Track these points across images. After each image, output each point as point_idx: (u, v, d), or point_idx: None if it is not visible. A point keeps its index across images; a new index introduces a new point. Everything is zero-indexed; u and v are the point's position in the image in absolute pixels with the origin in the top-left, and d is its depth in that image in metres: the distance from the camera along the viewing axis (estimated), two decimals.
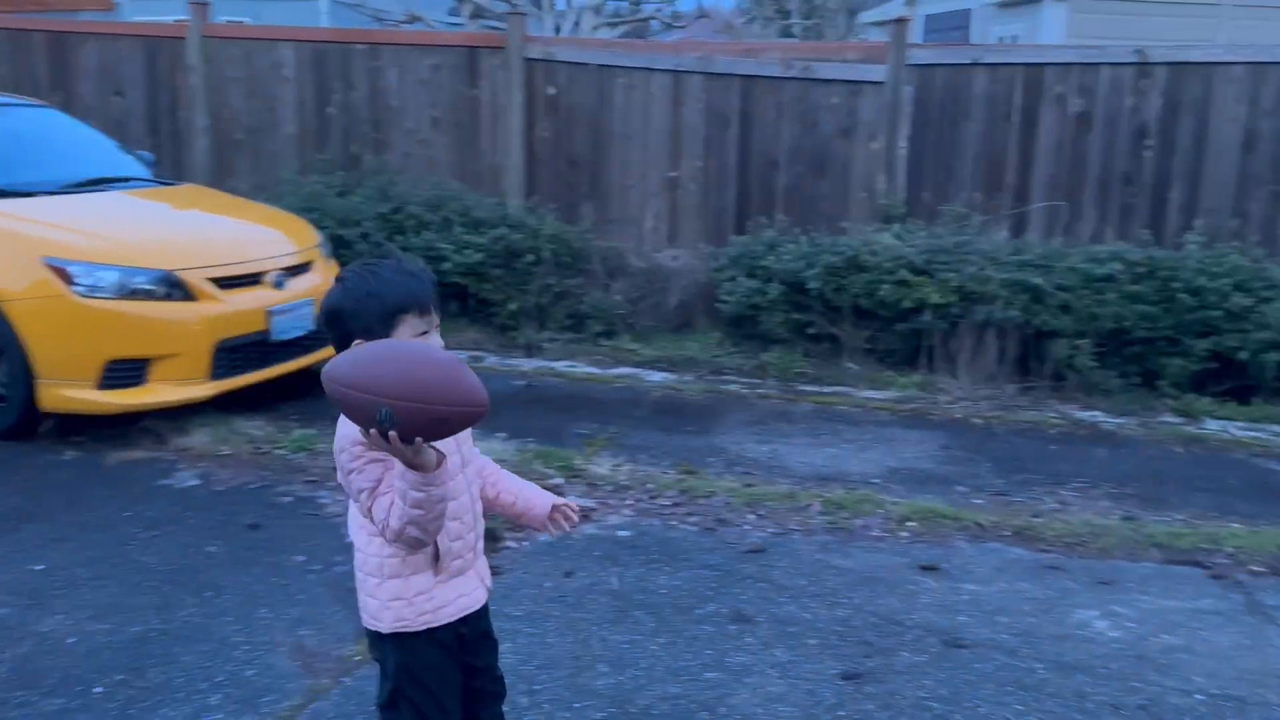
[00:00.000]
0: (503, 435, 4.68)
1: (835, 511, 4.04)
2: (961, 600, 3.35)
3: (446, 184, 6.98)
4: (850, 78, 6.51)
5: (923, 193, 6.46)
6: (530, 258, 6.59)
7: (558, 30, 14.52)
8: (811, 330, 6.22)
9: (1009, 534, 3.94)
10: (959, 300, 5.81)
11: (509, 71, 7.04)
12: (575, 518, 2.04)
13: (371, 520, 1.72)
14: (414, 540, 1.70)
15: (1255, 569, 3.72)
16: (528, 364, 6.35)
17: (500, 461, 2.18)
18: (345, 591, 2.98)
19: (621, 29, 15.78)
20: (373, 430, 1.53)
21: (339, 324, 1.73)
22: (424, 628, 1.80)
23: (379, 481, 1.69)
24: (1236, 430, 5.38)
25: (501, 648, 2.10)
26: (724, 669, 2.86)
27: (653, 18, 15.90)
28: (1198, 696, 2.85)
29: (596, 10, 14.13)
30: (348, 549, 1.93)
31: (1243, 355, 5.51)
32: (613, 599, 3.27)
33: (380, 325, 1.70)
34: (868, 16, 16.09)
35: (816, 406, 5.64)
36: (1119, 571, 3.64)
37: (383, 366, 1.53)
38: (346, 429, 1.67)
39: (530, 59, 7.06)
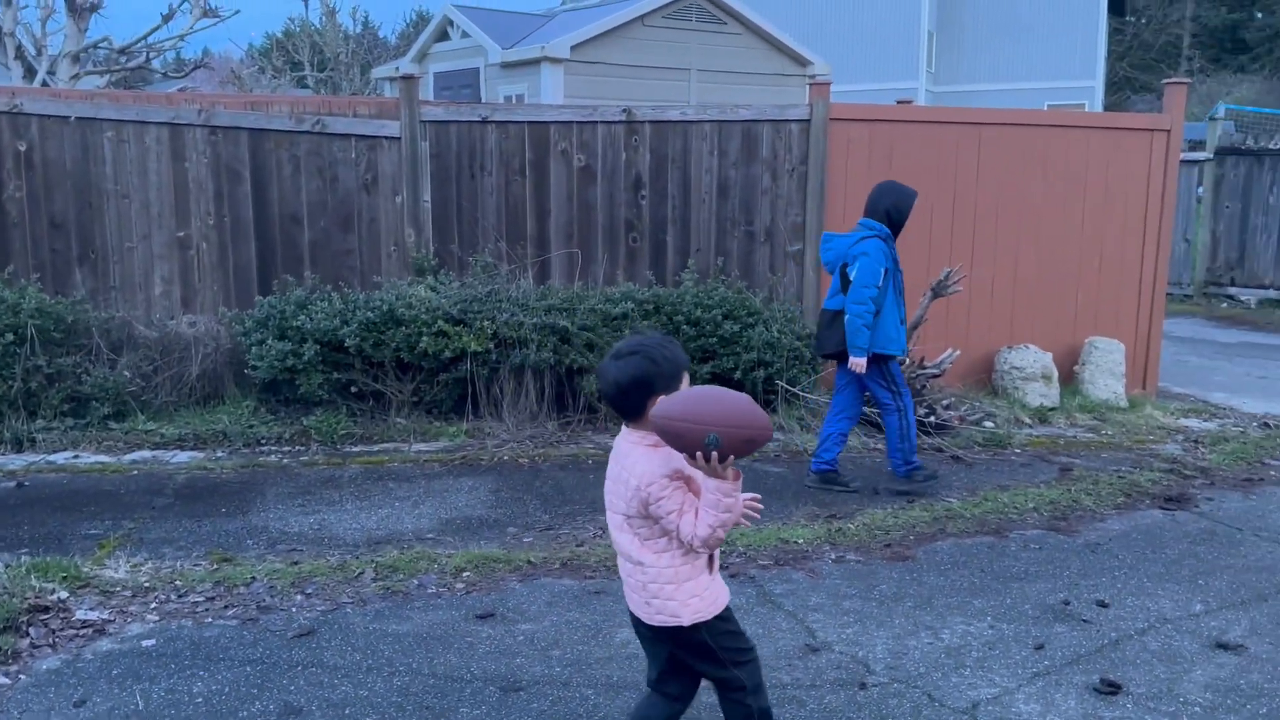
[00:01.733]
0: None
1: (389, 575, 3.93)
2: (518, 642, 3.42)
3: None
4: (366, 133, 6.47)
5: (451, 244, 6.58)
6: (9, 337, 5.66)
7: (31, 79, 12.80)
8: (354, 389, 6.05)
9: (557, 567, 4.10)
10: (496, 346, 6.00)
11: None
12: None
13: (678, 536, 2.23)
14: (717, 541, 2.20)
15: (763, 563, 4.24)
16: (17, 460, 5.43)
17: None
18: None
19: (111, 78, 14.28)
20: (699, 453, 2.07)
21: (645, 387, 2.23)
22: (713, 615, 2.36)
23: (683, 503, 2.21)
24: None
25: None
26: None
27: (144, 66, 14.57)
28: None
29: (75, 58, 12.64)
30: None
31: (737, 375, 6.30)
32: None
33: (675, 382, 2.25)
34: (380, 71, 16.18)
35: (366, 467, 5.48)
36: None
37: (708, 404, 2.10)
38: (648, 467, 2.22)
39: None
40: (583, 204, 6.68)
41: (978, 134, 6.97)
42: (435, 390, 6.12)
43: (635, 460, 2.24)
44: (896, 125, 6.95)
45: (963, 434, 6.30)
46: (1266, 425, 6.84)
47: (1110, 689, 3.19)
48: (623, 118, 6.65)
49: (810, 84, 6.90)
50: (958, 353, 6.65)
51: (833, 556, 4.33)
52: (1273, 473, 5.77)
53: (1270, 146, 12.45)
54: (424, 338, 5.88)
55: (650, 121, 6.69)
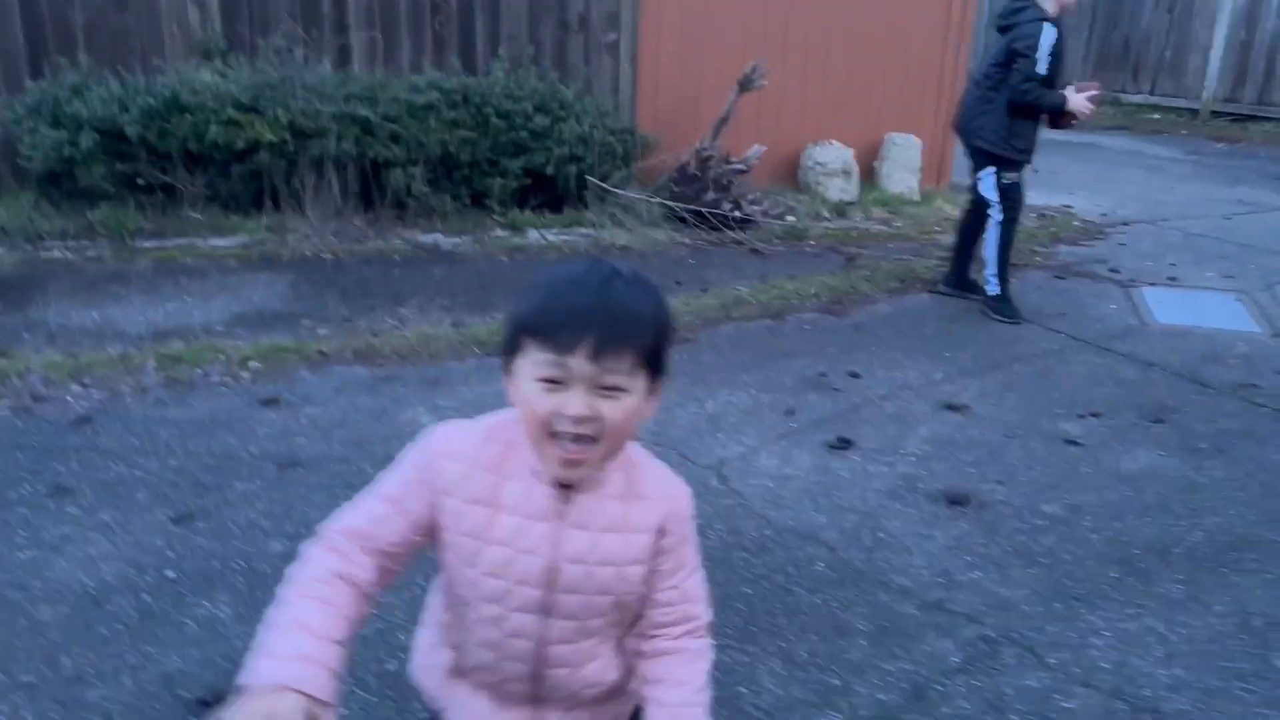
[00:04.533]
0: None
1: (173, 366, 3.93)
2: (300, 425, 3.53)
3: None
4: None
5: (239, 25, 6.17)
6: None
7: None
8: (141, 181, 5.76)
9: (350, 356, 4.19)
10: (293, 137, 5.78)
11: None
12: None
13: (676, 605, 1.35)
14: None
15: None
16: None
17: None
18: None
19: None
20: None
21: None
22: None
23: None
24: (551, 236, 6.23)
25: None
26: (40, 545, 2.71)
27: None
28: None
29: None
30: None
31: (549, 170, 6.31)
32: None
33: None
34: None
35: (156, 262, 5.32)
36: (445, 371, 4.11)
37: None
38: (677, 481, 1.36)
39: None
40: None
41: None
42: (230, 183, 5.89)
43: (647, 473, 1.32)
44: None
45: (765, 227, 6.57)
46: (1042, 216, 7.39)
47: (843, 444, 3.59)
48: None
49: None
50: (764, 149, 6.82)
51: None
52: (1038, 259, 6.31)
53: None
54: (213, 126, 5.60)
55: None
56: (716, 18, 6.92)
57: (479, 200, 6.36)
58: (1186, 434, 3.75)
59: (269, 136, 5.68)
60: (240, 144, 5.67)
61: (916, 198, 7.47)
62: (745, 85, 6.29)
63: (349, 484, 3.12)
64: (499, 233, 6.21)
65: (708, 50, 6.90)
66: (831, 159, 7.29)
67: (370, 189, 6.14)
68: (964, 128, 5.12)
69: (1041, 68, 4.66)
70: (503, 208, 6.35)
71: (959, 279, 5.42)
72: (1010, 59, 4.77)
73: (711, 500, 3.13)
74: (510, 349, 1.23)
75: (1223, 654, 2.49)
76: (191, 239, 5.66)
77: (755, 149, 6.73)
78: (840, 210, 7.14)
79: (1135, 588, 2.75)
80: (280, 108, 5.71)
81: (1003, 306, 5.09)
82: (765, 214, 6.71)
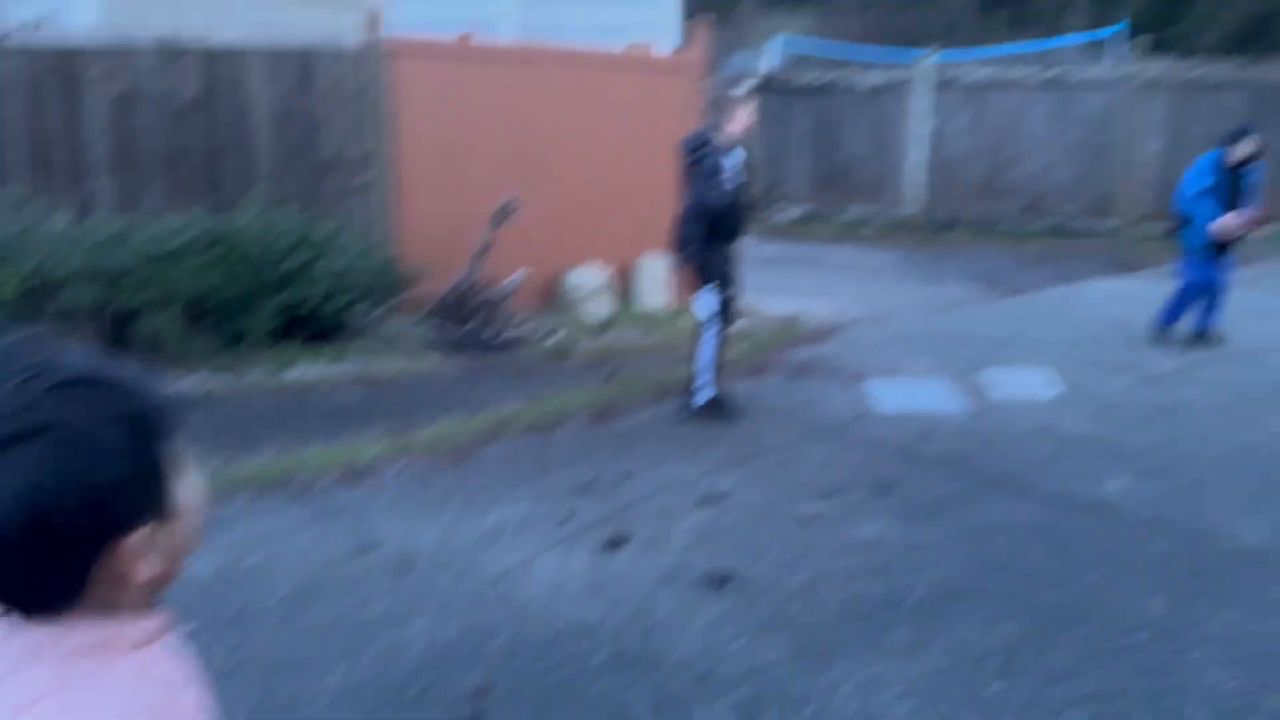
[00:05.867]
0: None
1: None
2: None
3: None
4: None
5: None
6: None
7: None
8: None
9: None
10: (35, 291, 5.56)
11: None
12: None
13: None
14: None
15: (328, 481, 4.48)
16: None
17: None
18: None
19: None
20: None
21: (79, 525, 0.85)
22: None
23: None
24: (317, 372, 6.24)
25: None
26: None
27: None
28: (279, 596, 3.40)
29: None
30: None
31: (311, 306, 6.37)
32: None
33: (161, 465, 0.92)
34: None
35: None
36: (214, 514, 4.05)
37: None
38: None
39: None
40: (128, 133, 6.30)
41: (532, 70, 7.48)
42: None
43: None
44: (457, 59, 7.26)
45: (531, 349, 6.89)
46: (779, 323, 8.16)
47: (616, 543, 3.85)
48: (169, 44, 6.32)
49: (366, 14, 6.97)
50: (527, 273, 7.20)
51: (397, 467, 4.66)
52: (776, 362, 6.95)
53: (795, 81, 14.40)
54: None
55: (197, 50, 6.42)
56: (471, 154, 7.32)
57: (238, 341, 6.31)
58: (907, 503, 4.29)
59: (11, 290, 5.45)
60: None
61: (669, 313, 8.05)
62: (501, 217, 6.67)
63: None
64: (261, 372, 6.16)
65: (465, 184, 7.27)
66: (590, 281, 7.77)
67: (124, 336, 5.96)
68: (675, 254, 5.48)
69: (723, 196, 5.15)
70: (263, 347, 6.32)
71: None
72: (699, 189, 5.17)
73: (494, 609, 3.28)
74: None
75: (946, 686, 2.88)
76: None
77: (516, 275, 7.10)
78: (602, 328, 7.59)
79: (871, 639, 3.13)
80: (20, 261, 5.50)
81: (719, 410, 5.42)
82: (531, 336, 7.04)
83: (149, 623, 0.89)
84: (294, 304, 6.31)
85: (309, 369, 6.24)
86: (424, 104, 7.00)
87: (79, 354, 0.87)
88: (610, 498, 4.33)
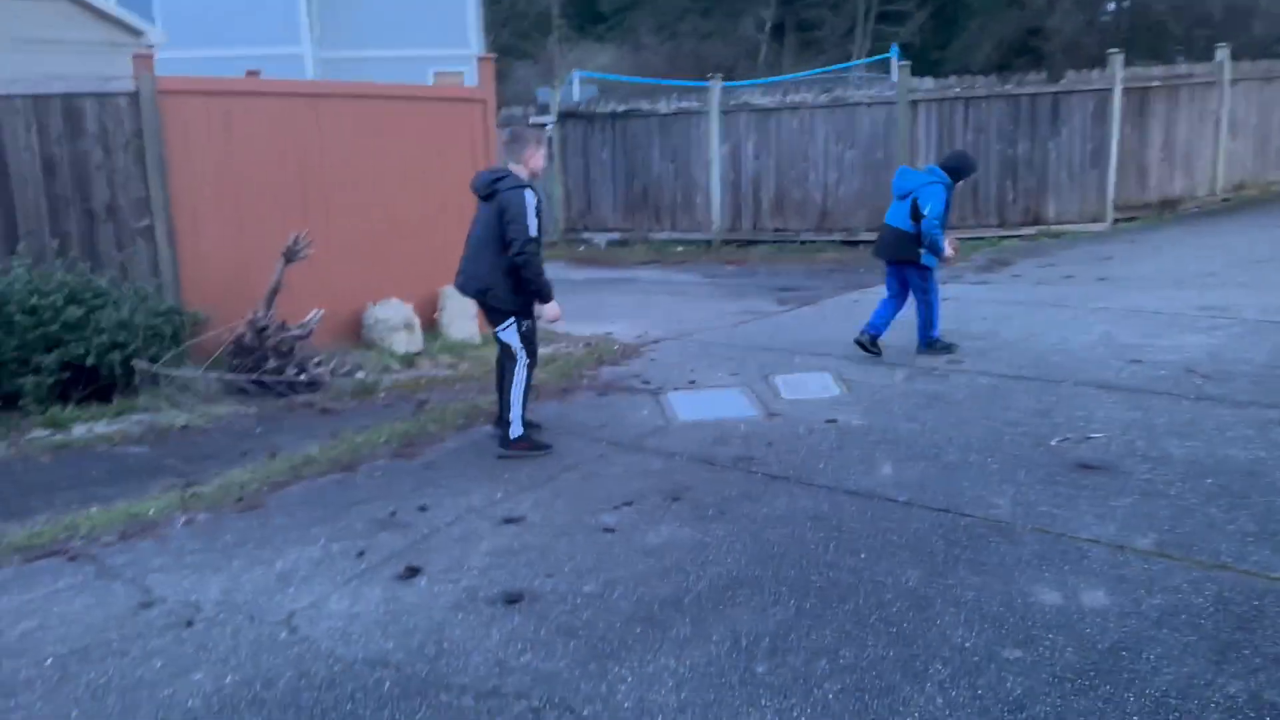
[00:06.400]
0: None
1: None
2: None
3: None
4: None
5: None
6: None
7: None
8: None
9: None
10: None
11: None
12: None
13: None
14: None
15: (108, 540, 4.28)
16: None
17: None
18: None
19: None
20: None
21: None
22: None
23: None
24: (101, 428, 5.93)
25: None
26: None
27: None
28: (48, 661, 3.25)
29: None
30: None
31: (90, 360, 6.05)
32: None
33: None
34: None
35: None
36: None
37: None
38: None
39: None
40: None
41: (316, 105, 7.40)
42: None
43: None
44: (236, 97, 7.10)
45: (335, 387, 6.77)
46: (588, 344, 8.34)
47: (411, 573, 3.86)
48: None
49: (135, 56, 6.72)
50: (323, 312, 7.06)
51: (183, 520, 4.51)
52: (584, 382, 7.10)
53: (596, 110, 14.73)
54: None
55: None
56: (255, 196, 7.14)
57: (12, 401, 5.93)
58: (698, 506, 4.49)
59: None
60: None
61: (478, 341, 8.09)
62: (290, 255, 6.55)
63: None
64: (38, 433, 5.82)
65: (249, 225, 7.09)
66: (392, 315, 7.71)
67: None
68: (475, 290, 5.40)
69: (532, 230, 5.29)
70: (40, 406, 5.97)
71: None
72: (501, 224, 5.19)
73: (280, 652, 3.24)
74: None
75: (718, 673, 3.06)
76: None
77: (314, 313, 6.96)
78: (409, 361, 7.54)
79: (654, 636, 3.29)
80: None
81: (534, 442, 5.39)
82: (333, 373, 6.92)
83: None
84: (73, 359, 5.99)
85: (93, 426, 5.93)
86: (204, 144, 6.80)
87: None
88: (410, 529, 4.33)
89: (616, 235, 14.86)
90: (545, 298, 5.39)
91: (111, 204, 6.63)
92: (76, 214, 6.54)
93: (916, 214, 6.96)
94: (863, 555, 3.86)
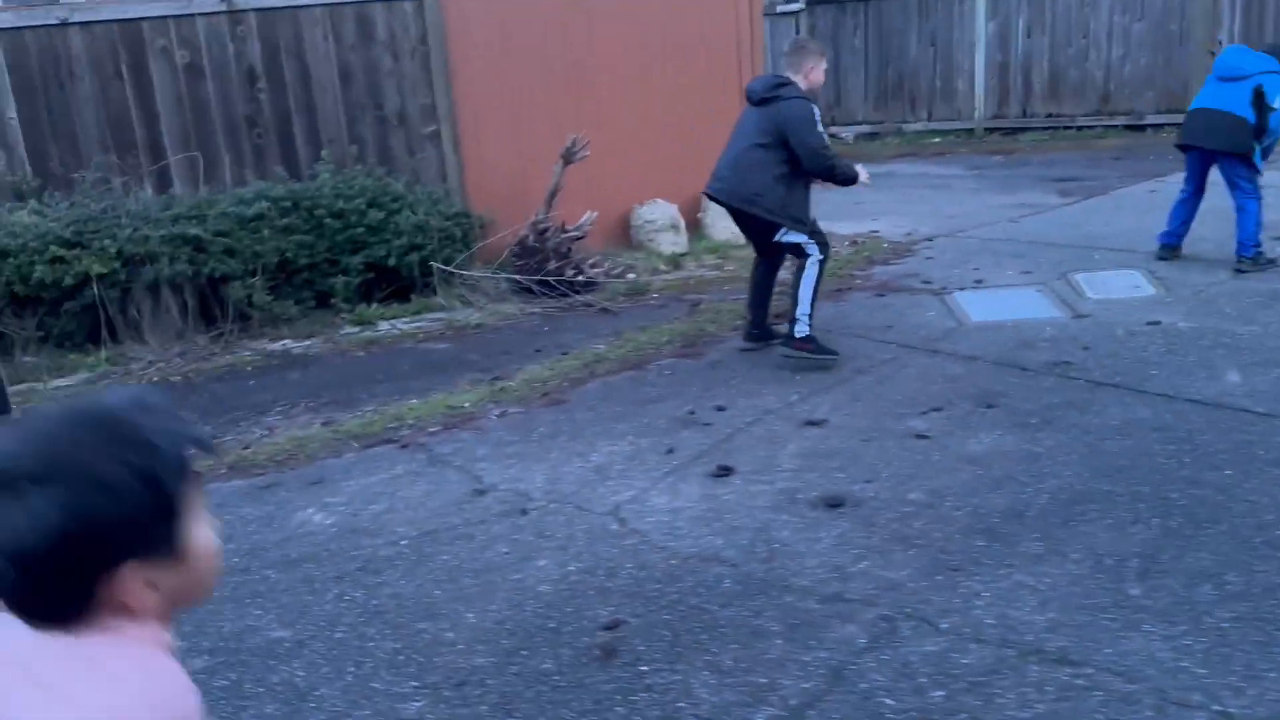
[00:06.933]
0: None
1: None
2: None
3: None
4: None
5: (50, 162, 6.04)
6: None
7: None
8: None
9: (224, 471, 4.16)
10: (124, 265, 5.68)
11: None
12: None
13: None
14: None
15: (433, 430, 4.53)
16: None
17: None
18: None
19: None
20: None
21: (93, 550, 0.97)
22: None
23: None
24: (403, 325, 6.30)
25: None
26: None
27: None
28: (403, 543, 3.47)
29: None
30: None
31: (391, 261, 6.41)
32: None
33: (176, 502, 1.04)
34: None
35: None
36: (326, 470, 4.13)
37: None
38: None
39: None
40: (195, 104, 6.34)
41: (586, 7, 7.32)
42: (62, 321, 5.71)
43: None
44: (510, 2, 7.13)
45: (609, 288, 6.85)
46: (854, 243, 8.00)
47: (724, 472, 3.84)
48: (223, 7, 6.31)
49: None
50: (596, 214, 7.13)
51: (496, 413, 4.70)
52: (857, 281, 6.83)
53: None
54: (38, 266, 5.45)
55: (254, 9, 6.40)
56: (530, 101, 7.23)
57: (325, 301, 6.38)
58: (1016, 413, 4.19)
59: (98, 269, 5.57)
60: (69, 280, 5.53)
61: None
62: (568, 158, 6.60)
63: (255, 592, 3.14)
64: (349, 329, 6.24)
65: (526, 131, 7.20)
66: (659, 216, 7.69)
67: (210, 306, 6.07)
68: (742, 199, 5.11)
69: (825, 139, 5.01)
70: (349, 305, 6.39)
71: (761, 330, 5.45)
72: (780, 132, 4.89)
73: (616, 543, 3.30)
74: None
75: (1084, 593, 2.83)
76: (30, 384, 5.44)
77: (588, 215, 7.03)
78: (675, 262, 7.52)
79: (1001, 551, 3.09)
80: (106, 239, 5.61)
81: (820, 345, 5.08)
82: (607, 275, 7.00)
83: (154, 635, 0.97)
84: (376, 260, 6.35)
85: (395, 323, 6.30)
86: (483, 50, 6.91)
87: (118, 396, 0.97)
88: (711, 429, 4.31)
89: (866, 128, 14.18)
90: (853, 180, 5.14)
91: (402, 110, 6.89)
92: (370, 120, 6.85)
93: (1259, 103, 5.97)
94: (1227, 472, 3.46)
